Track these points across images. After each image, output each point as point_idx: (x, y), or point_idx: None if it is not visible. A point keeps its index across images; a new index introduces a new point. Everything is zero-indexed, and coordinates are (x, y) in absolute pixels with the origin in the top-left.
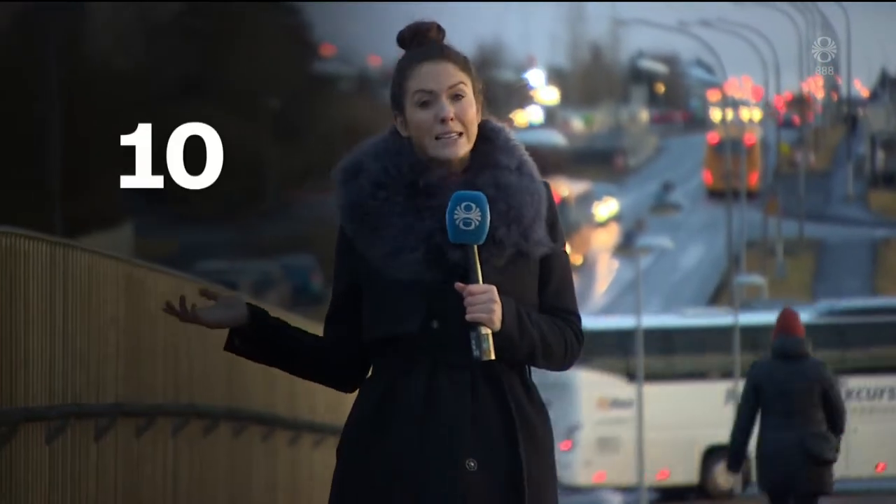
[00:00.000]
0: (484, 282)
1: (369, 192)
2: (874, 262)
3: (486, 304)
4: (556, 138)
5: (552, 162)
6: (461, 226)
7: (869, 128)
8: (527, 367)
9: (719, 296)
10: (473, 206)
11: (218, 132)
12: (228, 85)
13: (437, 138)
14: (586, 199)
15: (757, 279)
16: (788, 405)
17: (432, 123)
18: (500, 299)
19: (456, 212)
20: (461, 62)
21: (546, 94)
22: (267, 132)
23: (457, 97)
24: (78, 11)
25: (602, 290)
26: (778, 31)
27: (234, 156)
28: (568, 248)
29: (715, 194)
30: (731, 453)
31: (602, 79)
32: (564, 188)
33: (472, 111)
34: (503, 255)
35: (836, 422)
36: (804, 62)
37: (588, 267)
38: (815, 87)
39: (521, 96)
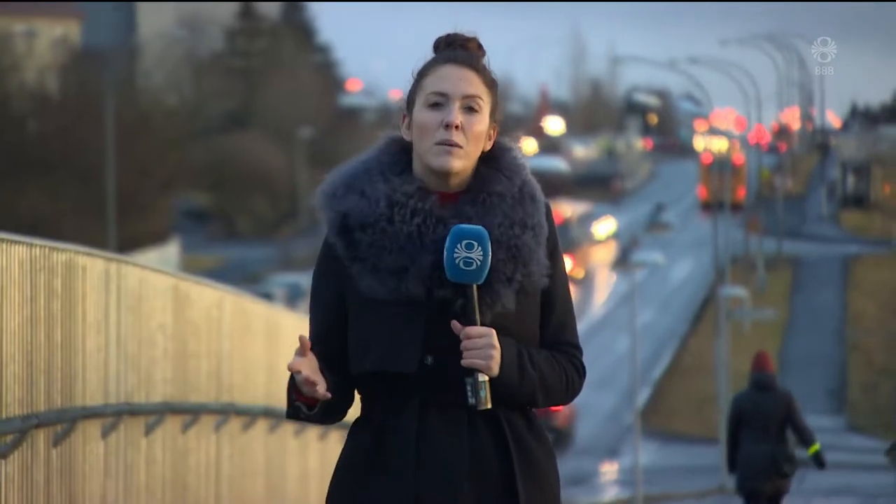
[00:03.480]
0: (485, 321)
1: (370, 217)
2: (845, 276)
3: (483, 349)
4: (559, 164)
5: (556, 186)
6: (461, 265)
7: (840, 155)
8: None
9: (706, 306)
10: (475, 244)
11: (258, 159)
12: (267, 117)
13: (436, 144)
14: (587, 219)
15: (740, 291)
16: (763, 425)
17: (436, 127)
18: (500, 342)
19: (456, 250)
20: (488, 79)
21: (553, 124)
22: (301, 159)
23: (470, 109)
24: (132, 53)
25: (601, 302)
26: (759, 67)
27: (272, 180)
28: (567, 265)
29: (708, 207)
30: (727, 461)
31: (601, 111)
32: (567, 209)
33: (481, 128)
34: (498, 306)
35: (804, 436)
36: (783, 95)
37: (588, 280)
38: (793, 119)
39: (529, 127)
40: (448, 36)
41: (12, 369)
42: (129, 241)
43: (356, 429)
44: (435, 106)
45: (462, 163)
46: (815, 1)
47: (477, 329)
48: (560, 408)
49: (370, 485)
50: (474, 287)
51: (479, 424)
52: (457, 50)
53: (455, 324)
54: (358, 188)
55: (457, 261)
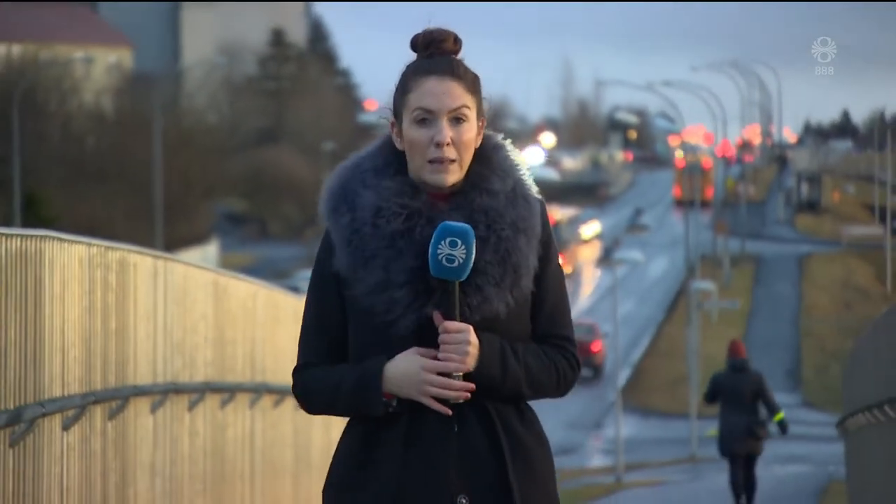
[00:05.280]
0: (471, 319)
1: (367, 221)
2: (800, 272)
3: (460, 344)
4: (551, 174)
5: (548, 193)
6: (444, 262)
7: (796, 166)
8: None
9: (679, 298)
10: (459, 242)
11: (288, 170)
12: (295, 133)
13: (429, 161)
14: (574, 222)
15: (708, 285)
16: (737, 401)
17: (427, 145)
18: (482, 337)
19: (440, 246)
20: (469, 81)
21: (546, 139)
22: (325, 170)
23: (457, 120)
24: (177, 77)
25: (587, 294)
26: (725, 89)
27: (300, 188)
28: (561, 263)
29: (681, 204)
30: (706, 398)
31: (587, 127)
32: (557, 213)
33: (471, 135)
34: (486, 309)
35: (771, 407)
36: (745, 114)
37: (576, 276)
38: (754, 135)
39: (524, 141)
40: (425, 35)
41: (73, 353)
42: (174, 242)
43: (351, 423)
44: (422, 122)
45: (457, 175)
46: (775, 22)
47: (455, 324)
48: (598, 343)
49: (364, 479)
50: (456, 284)
51: (469, 416)
52: (435, 56)
53: (437, 315)
54: (350, 197)
55: (440, 257)
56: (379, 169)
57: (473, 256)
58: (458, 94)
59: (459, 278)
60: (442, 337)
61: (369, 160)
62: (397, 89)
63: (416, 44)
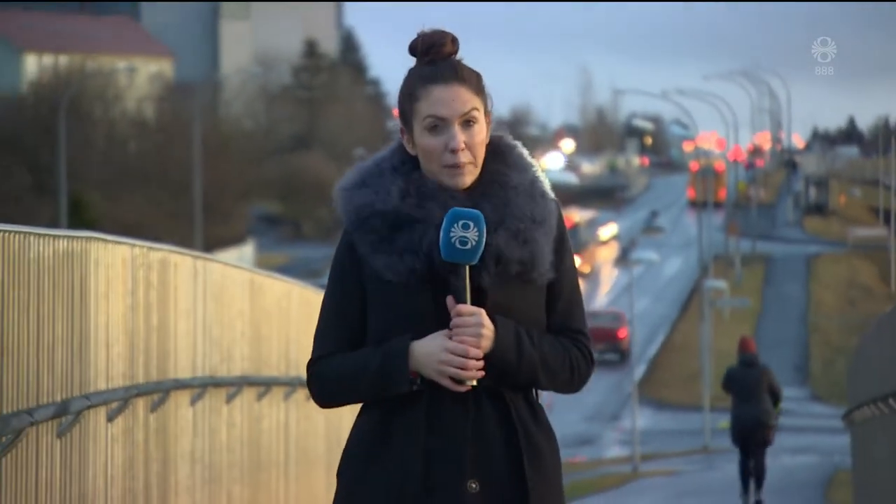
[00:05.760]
0: (487, 296)
1: (387, 197)
2: (808, 272)
3: (473, 327)
4: (570, 178)
5: (568, 196)
6: (457, 244)
7: (804, 171)
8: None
9: (693, 296)
10: (471, 224)
11: (320, 174)
12: (327, 140)
13: (445, 167)
14: (593, 224)
15: (721, 284)
16: (748, 393)
17: (442, 152)
18: (497, 321)
19: (452, 229)
20: (474, 83)
21: (566, 145)
22: None
23: (468, 123)
24: (215, 86)
25: (605, 292)
26: (736, 97)
27: (330, 192)
28: (577, 261)
29: (695, 205)
30: (723, 387)
31: (605, 133)
32: (577, 215)
33: (483, 136)
34: (507, 275)
35: (777, 398)
36: (756, 121)
37: (594, 275)
38: (764, 140)
39: (545, 147)
40: (423, 39)
41: (117, 349)
42: (213, 242)
43: (367, 406)
44: (434, 129)
45: (473, 175)
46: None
47: (467, 307)
48: (624, 330)
49: (379, 459)
50: (466, 267)
51: (487, 405)
52: (437, 63)
53: (450, 299)
54: (371, 184)
55: (452, 240)
56: (396, 167)
57: (485, 240)
58: (466, 98)
59: (471, 261)
60: (454, 321)
61: (387, 160)
62: (404, 96)
63: (415, 49)
